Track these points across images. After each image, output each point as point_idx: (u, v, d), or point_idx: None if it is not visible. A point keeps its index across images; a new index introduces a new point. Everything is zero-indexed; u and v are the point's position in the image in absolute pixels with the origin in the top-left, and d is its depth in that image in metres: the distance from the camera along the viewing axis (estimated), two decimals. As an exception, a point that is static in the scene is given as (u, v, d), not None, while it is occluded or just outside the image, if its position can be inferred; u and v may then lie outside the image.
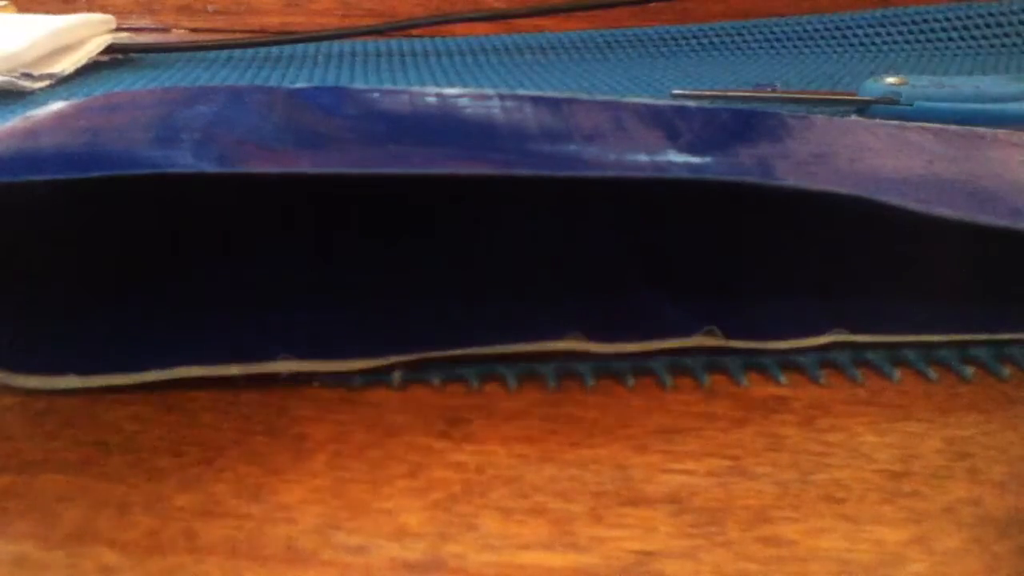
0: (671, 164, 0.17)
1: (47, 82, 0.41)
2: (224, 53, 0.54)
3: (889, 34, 0.53)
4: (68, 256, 0.19)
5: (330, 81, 0.46)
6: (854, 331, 0.18)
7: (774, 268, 0.20)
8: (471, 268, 0.20)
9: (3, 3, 0.52)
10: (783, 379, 0.17)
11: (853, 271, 0.20)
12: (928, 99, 0.31)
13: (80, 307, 0.18)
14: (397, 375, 0.17)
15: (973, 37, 0.51)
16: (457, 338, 0.18)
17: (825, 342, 0.18)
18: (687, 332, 0.18)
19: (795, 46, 0.53)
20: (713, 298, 0.19)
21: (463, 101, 0.20)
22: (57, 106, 0.19)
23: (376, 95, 0.20)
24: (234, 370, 0.17)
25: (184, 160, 0.16)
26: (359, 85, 0.24)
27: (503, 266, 0.20)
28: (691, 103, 0.35)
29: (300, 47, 0.55)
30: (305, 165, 0.16)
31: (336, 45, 0.56)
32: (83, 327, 0.18)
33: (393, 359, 0.17)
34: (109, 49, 0.48)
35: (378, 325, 0.18)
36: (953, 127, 0.23)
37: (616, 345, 0.18)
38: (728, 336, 0.18)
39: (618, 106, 0.21)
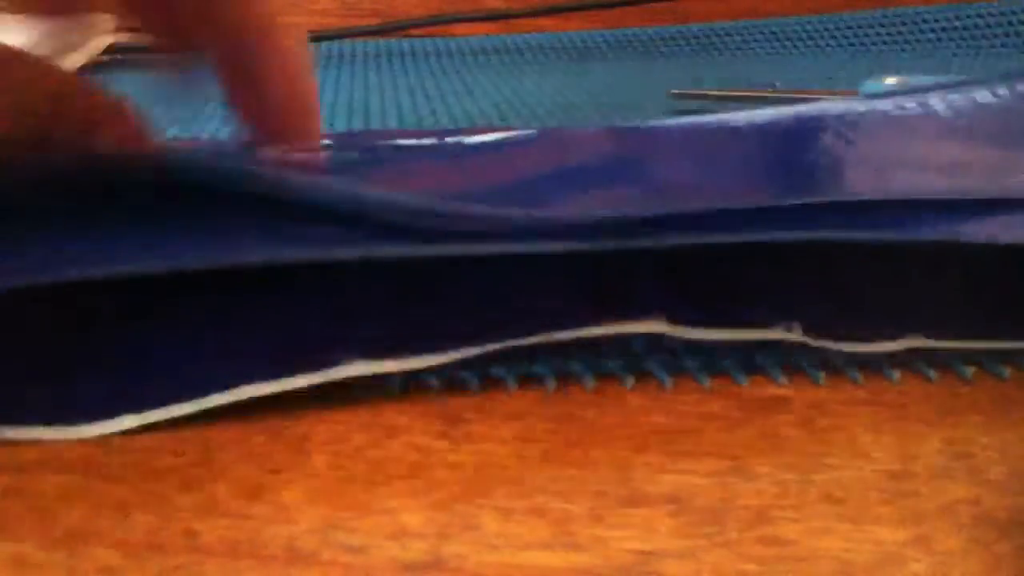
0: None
1: (47, 82, 0.41)
2: (224, 53, 0.54)
3: (889, 34, 0.52)
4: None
5: (330, 81, 0.46)
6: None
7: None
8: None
9: (3, 3, 0.52)
10: (783, 379, 0.17)
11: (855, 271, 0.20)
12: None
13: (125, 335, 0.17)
14: (396, 376, 0.17)
15: (973, 37, 0.51)
16: (536, 325, 0.17)
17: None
18: (767, 324, 0.17)
19: (795, 46, 0.53)
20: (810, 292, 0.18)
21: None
22: None
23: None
24: (300, 382, 0.16)
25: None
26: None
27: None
28: (693, 104, 0.35)
29: (300, 47, 0.54)
30: None
31: (336, 45, 0.56)
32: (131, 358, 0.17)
33: (456, 355, 0.17)
34: (109, 49, 0.48)
35: (445, 318, 0.17)
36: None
37: (702, 331, 0.17)
38: (806, 332, 0.17)
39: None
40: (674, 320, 0.17)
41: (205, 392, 0.16)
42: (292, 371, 0.16)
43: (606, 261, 0.18)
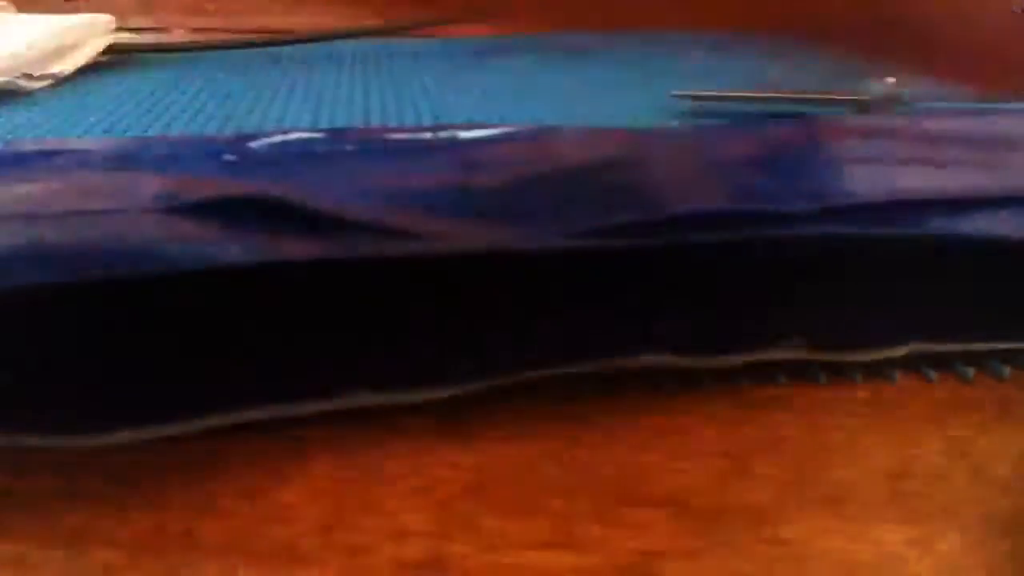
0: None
1: (47, 82, 0.41)
2: (224, 53, 0.54)
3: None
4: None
5: (330, 81, 0.46)
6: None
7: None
8: (554, 286, 0.19)
9: (3, 3, 0.52)
10: (783, 379, 0.17)
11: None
12: (929, 100, 0.31)
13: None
14: None
15: (973, 37, 0.51)
16: (536, 359, 0.17)
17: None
18: (772, 345, 0.17)
19: (795, 46, 0.53)
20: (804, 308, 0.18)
21: None
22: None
23: None
24: (303, 409, 0.16)
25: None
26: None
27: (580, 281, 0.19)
28: (690, 104, 0.35)
29: (300, 47, 0.55)
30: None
31: (336, 45, 0.56)
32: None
33: (471, 387, 0.17)
34: (109, 49, 0.48)
35: (452, 355, 0.17)
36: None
37: (707, 360, 0.17)
38: (811, 349, 0.17)
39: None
40: (679, 351, 0.17)
41: (206, 414, 0.16)
42: (297, 399, 0.16)
43: (607, 296, 0.18)
